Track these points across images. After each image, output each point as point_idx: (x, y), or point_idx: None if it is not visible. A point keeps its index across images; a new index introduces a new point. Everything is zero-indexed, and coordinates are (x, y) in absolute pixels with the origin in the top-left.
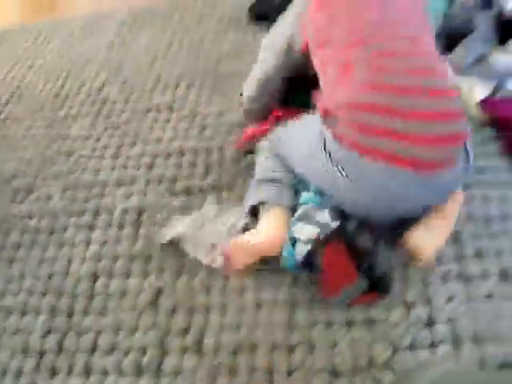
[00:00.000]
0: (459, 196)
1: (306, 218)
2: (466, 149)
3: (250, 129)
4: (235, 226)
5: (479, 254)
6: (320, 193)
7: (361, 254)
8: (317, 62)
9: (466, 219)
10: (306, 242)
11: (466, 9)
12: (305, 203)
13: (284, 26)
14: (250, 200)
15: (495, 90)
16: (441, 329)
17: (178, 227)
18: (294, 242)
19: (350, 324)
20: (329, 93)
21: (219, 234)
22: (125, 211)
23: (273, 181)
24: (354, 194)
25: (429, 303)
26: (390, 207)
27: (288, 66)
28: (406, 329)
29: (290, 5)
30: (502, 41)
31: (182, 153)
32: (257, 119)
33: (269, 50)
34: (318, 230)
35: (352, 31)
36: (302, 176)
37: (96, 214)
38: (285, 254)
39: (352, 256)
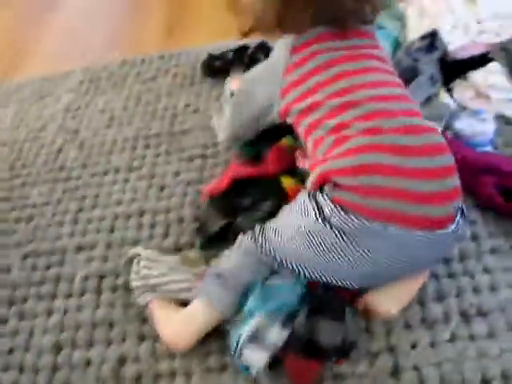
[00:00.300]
0: None
1: (255, 340)
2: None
3: (207, 188)
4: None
5: (440, 297)
6: (265, 297)
7: (326, 350)
8: (301, 130)
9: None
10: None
11: (411, 53)
12: (251, 311)
13: (261, 84)
14: (201, 291)
15: (444, 130)
16: (407, 376)
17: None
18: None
19: (319, 381)
20: (322, 158)
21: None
22: (85, 278)
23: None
24: (367, 265)
25: (393, 351)
26: (400, 271)
27: (264, 122)
28: (373, 380)
29: (245, 58)
30: (448, 81)
31: (141, 214)
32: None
33: (244, 102)
34: (269, 353)
35: (338, 95)
36: (300, 270)
37: (56, 282)
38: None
39: (315, 354)
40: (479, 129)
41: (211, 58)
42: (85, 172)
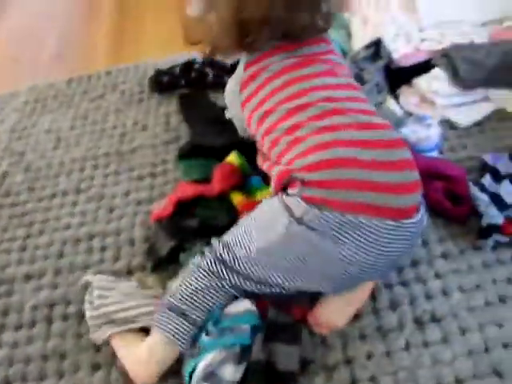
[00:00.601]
0: None
1: (210, 378)
2: None
3: (154, 213)
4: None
5: (394, 305)
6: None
7: (285, 373)
8: (259, 138)
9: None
10: None
11: (356, 62)
12: (205, 346)
13: (231, 102)
14: (161, 324)
15: None
16: None
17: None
18: None
19: None
20: (277, 160)
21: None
22: (35, 307)
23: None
24: (345, 261)
25: (350, 363)
26: (374, 268)
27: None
28: None
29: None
30: (394, 88)
31: (91, 237)
32: None
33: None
34: None
35: (290, 99)
36: (275, 277)
37: (5, 313)
38: None
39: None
40: (425, 134)
41: (158, 73)
42: (32, 196)
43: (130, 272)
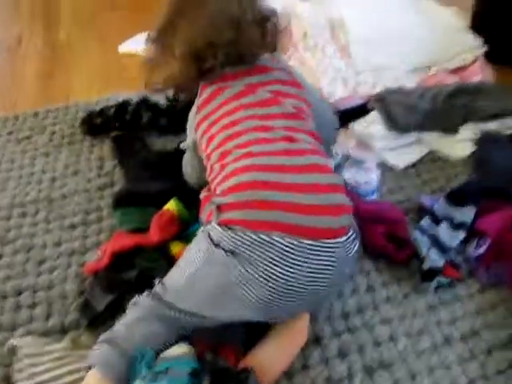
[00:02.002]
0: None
1: None
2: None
3: (88, 266)
4: None
5: (343, 353)
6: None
7: None
8: (205, 161)
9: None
10: None
11: None
12: None
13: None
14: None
15: None
16: None
17: None
18: None
19: None
20: (214, 187)
21: None
22: None
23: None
24: (268, 284)
25: None
26: (303, 293)
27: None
28: None
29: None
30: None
31: (18, 292)
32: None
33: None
34: None
35: (228, 127)
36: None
37: None
38: None
39: None
40: (364, 178)
41: (91, 114)
42: None
43: (63, 331)
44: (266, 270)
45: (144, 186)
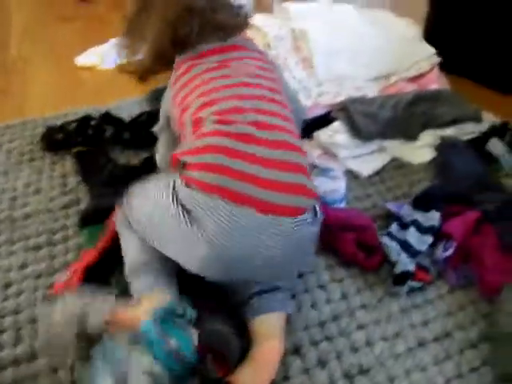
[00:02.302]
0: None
1: None
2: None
3: (59, 284)
4: None
5: (322, 362)
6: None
7: None
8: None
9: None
10: None
11: None
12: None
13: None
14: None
15: None
16: None
17: None
18: None
19: None
20: (181, 146)
21: None
22: None
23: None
24: (207, 240)
25: None
26: (247, 257)
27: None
28: None
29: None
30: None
31: None
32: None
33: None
34: None
35: (203, 95)
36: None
37: None
38: None
39: None
40: (331, 186)
41: (51, 130)
42: None
43: (33, 356)
44: (213, 230)
45: (110, 201)
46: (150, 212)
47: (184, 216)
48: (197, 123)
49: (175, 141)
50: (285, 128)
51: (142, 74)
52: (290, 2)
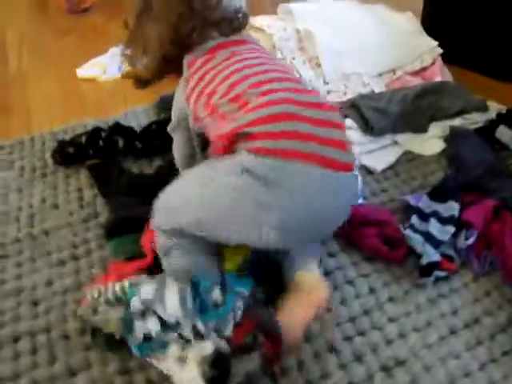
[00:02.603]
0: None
1: None
2: None
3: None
4: None
5: (358, 356)
6: None
7: None
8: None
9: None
10: None
11: None
12: None
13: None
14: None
15: None
16: None
17: None
18: None
19: None
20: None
21: None
22: None
23: None
24: (291, 207)
25: None
26: (318, 220)
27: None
28: None
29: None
30: None
31: (15, 339)
32: None
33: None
34: None
35: (228, 77)
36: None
37: None
38: None
39: None
40: None
41: (62, 144)
42: None
43: (72, 373)
44: (298, 197)
45: (133, 211)
46: (209, 195)
47: (261, 185)
48: (238, 98)
49: (190, 139)
50: (315, 92)
51: (149, 78)
52: (291, 2)
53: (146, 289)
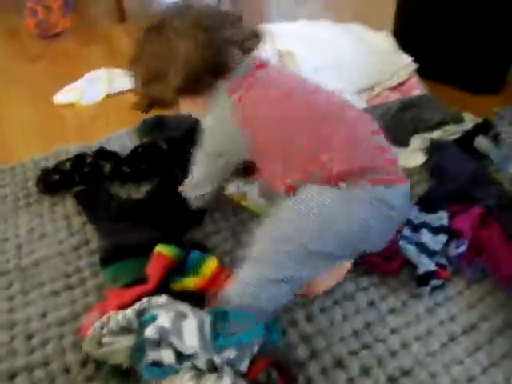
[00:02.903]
0: None
1: None
2: None
3: (87, 324)
4: None
5: (366, 369)
6: None
7: None
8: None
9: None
10: None
11: None
12: None
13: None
14: None
15: None
16: None
17: None
18: None
19: None
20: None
21: None
22: None
23: None
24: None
25: None
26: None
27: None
28: None
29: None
30: None
31: (12, 375)
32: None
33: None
34: None
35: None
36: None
37: None
38: None
39: None
40: None
41: (46, 172)
42: None
43: None
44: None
45: (126, 237)
46: (327, 221)
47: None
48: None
49: (227, 168)
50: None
51: (165, 98)
52: (268, 23)
53: (163, 318)
